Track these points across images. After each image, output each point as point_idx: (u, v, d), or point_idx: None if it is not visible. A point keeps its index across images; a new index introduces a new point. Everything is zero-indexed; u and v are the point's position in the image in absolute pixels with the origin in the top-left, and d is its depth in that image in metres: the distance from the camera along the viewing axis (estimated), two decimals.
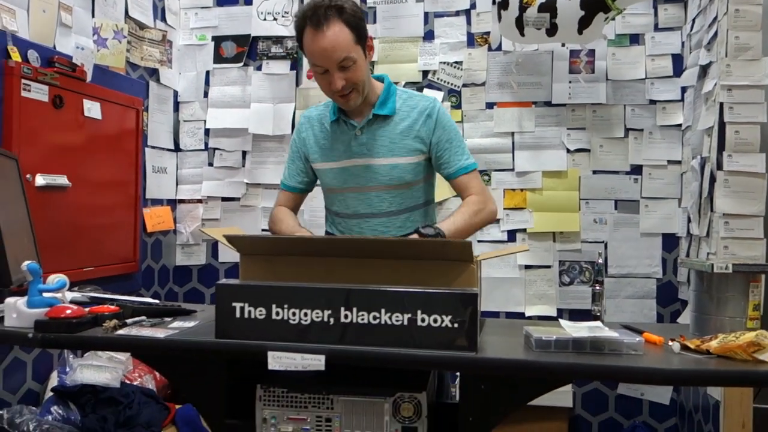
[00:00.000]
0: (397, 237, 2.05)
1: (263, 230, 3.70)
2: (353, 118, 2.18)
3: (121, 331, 1.65)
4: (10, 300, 1.70)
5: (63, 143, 2.70)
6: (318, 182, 2.33)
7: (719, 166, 2.61)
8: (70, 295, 1.85)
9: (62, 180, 2.66)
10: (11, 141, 2.42)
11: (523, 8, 3.10)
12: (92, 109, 2.86)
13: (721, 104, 2.62)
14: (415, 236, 1.93)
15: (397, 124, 2.16)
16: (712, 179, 2.65)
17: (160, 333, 1.64)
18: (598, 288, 1.98)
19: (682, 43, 3.34)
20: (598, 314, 1.97)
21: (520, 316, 3.44)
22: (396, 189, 2.17)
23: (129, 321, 1.73)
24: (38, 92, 2.54)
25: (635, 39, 3.41)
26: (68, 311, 1.65)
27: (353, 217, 2.20)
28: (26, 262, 1.71)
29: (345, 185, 2.20)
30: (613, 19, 3.12)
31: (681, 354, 1.57)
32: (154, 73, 3.56)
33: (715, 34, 2.74)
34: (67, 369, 2.67)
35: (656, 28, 3.39)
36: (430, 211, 2.30)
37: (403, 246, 1.80)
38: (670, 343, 1.62)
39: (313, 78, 3.61)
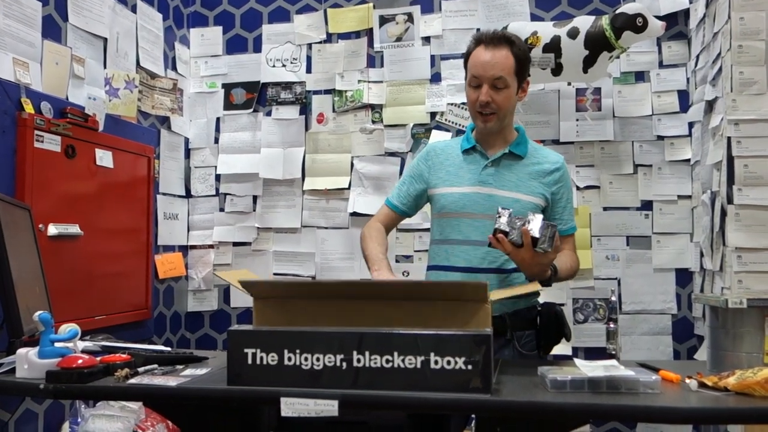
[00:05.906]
0: (407, 279, 2.04)
1: (275, 274, 3.70)
2: (487, 151, 2.31)
3: (132, 380, 1.65)
4: (21, 351, 1.70)
5: (75, 192, 2.72)
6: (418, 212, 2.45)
7: (729, 200, 2.60)
8: (81, 345, 1.85)
9: (74, 229, 2.68)
10: (24, 191, 2.44)
11: (527, 49, 3.13)
12: (104, 158, 2.89)
13: (729, 138, 2.62)
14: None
15: (527, 167, 2.30)
16: (723, 213, 2.64)
17: (171, 381, 1.64)
18: (612, 326, 1.97)
19: (687, 79, 3.36)
20: (614, 352, 1.96)
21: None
22: None
23: (141, 369, 1.72)
24: (51, 143, 2.57)
25: (640, 76, 3.43)
26: (80, 361, 1.65)
27: (464, 244, 2.26)
28: (38, 312, 1.72)
29: (462, 210, 2.28)
30: (618, 57, 3.15)
31: (699, 392, 1.55)
32: (165, 121, 3.60)
33: (720, 69, 2.76)
34: (79, 419, 2.65)
35: (661, 65, 3.41)
36: None
37: (417, 287, 1.79)
38: (688, 380, 1.59)
39: (323, 122, 3.71)
